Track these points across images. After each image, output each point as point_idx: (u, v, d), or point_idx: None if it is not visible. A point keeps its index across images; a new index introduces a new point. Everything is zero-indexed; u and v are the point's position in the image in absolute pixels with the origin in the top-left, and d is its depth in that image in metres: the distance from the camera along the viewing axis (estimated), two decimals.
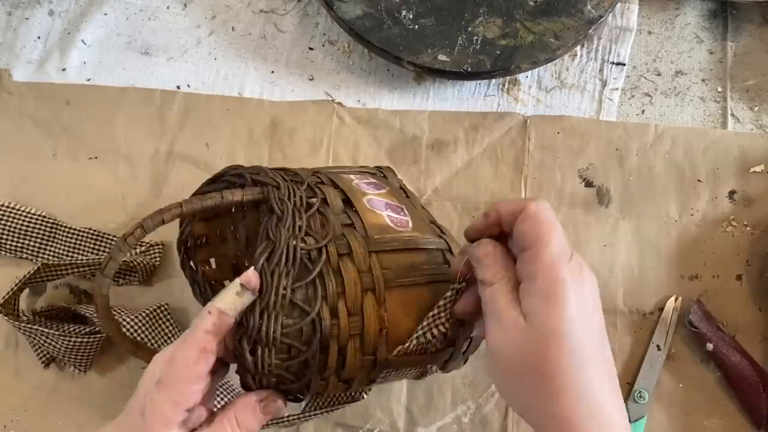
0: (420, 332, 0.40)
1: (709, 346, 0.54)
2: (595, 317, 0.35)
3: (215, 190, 0.42)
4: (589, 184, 0.60)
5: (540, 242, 0.34)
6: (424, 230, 0.45)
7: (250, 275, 0.37)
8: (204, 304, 0.50)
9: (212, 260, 0.54)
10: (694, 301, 0.56)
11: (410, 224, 0.45)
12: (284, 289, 0.38)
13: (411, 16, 0.62)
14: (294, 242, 0.39)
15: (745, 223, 0.58)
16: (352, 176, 0.48)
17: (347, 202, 0.44)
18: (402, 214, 0.46)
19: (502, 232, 0.38)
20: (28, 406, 0.55)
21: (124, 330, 0.52)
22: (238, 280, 0.37)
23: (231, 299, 0.37)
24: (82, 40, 0.66)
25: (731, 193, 0.59)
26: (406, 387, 0.55)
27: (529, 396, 0.35)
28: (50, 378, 0.56)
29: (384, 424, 0.54)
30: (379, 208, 0.45)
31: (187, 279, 0.54)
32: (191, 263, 0.53)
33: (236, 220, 0.54)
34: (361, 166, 0.53)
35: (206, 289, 0.53)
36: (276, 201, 0.41)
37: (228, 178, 0.45)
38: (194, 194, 0.46)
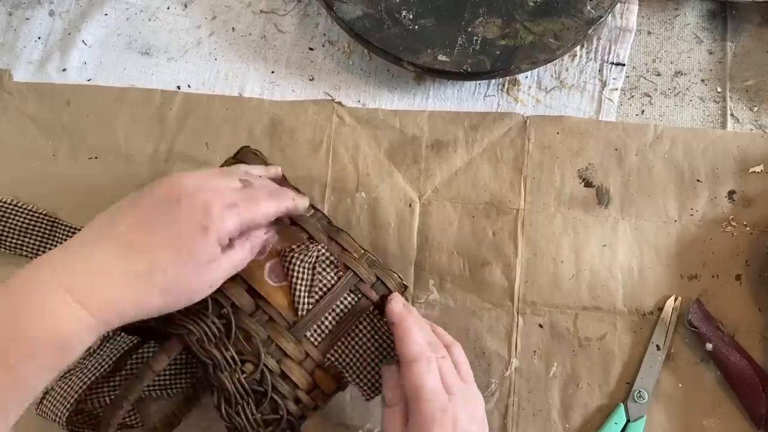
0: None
1: (709, 346, 0.54)
2: None
3: None
4: (588, 184, 0.60)
5: (413, 399, 0.41)
6: None
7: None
8: None
9: None
10: (694, 301, 0.56)
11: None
12: (252, 415, 0.44)
13: (411, 17, 0.62)
14: (237, 377, 0.43)
15: (745, 223, 0.58)
16: None
17: (251, 290, 0.46)
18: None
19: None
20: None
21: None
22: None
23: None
24: (83, 41, 0.66)
25: (730, 193, 0.59)
26: None
27: None
28: None
29: None
30: (279, 277, 0.47)
31: None
32: None
33: None
34: None
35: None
36: (198, 350, 0.43)
37: None
38: None
